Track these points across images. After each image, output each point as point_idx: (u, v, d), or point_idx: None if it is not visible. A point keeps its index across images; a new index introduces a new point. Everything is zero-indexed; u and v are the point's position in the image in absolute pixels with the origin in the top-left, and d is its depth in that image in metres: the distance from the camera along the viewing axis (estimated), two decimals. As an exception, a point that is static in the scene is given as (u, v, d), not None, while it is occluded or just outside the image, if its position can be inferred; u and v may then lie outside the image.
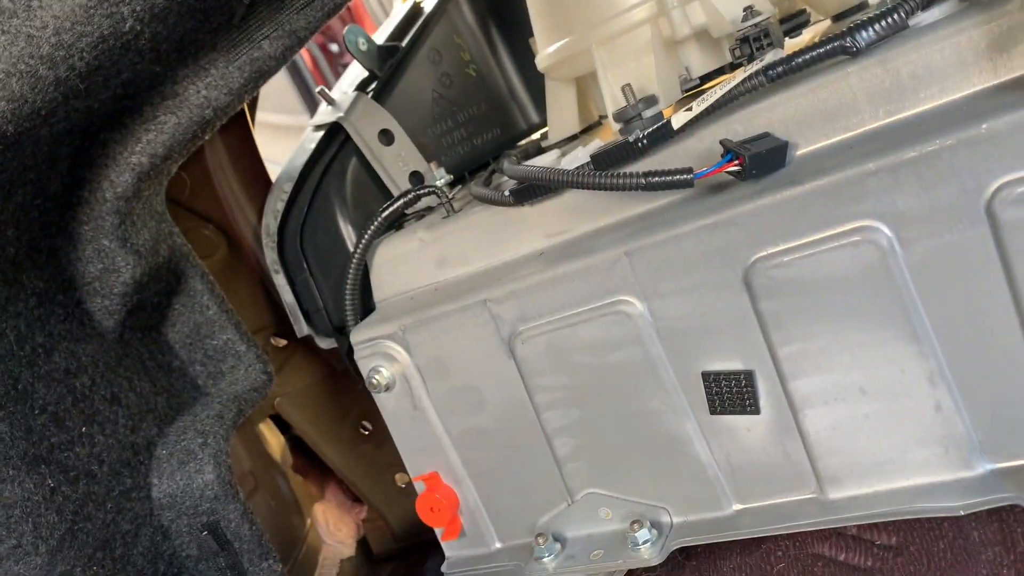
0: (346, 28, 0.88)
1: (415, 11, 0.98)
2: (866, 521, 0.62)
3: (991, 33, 0.55)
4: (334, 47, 1.82)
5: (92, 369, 0.71)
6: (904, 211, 0.56)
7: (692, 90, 0.75)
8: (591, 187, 0.64)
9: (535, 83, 0.99)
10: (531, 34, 0.90)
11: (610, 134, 0.87)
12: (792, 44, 0.81)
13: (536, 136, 0.99)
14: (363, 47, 0.87)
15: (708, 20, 0.71)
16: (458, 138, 0.97)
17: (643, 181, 0.61)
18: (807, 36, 0.83)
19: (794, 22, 0.80)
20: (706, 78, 0.75)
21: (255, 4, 0.69)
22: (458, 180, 0.96)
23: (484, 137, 0.98)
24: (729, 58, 0.75)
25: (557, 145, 0.89)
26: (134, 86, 0.65)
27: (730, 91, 0.61)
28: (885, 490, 0.62)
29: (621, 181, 0.62)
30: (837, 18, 0.83)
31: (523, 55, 0.98)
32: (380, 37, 0.97)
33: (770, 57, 0.61)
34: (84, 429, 0.68)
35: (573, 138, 0.89)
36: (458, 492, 0.79)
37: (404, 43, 0.93)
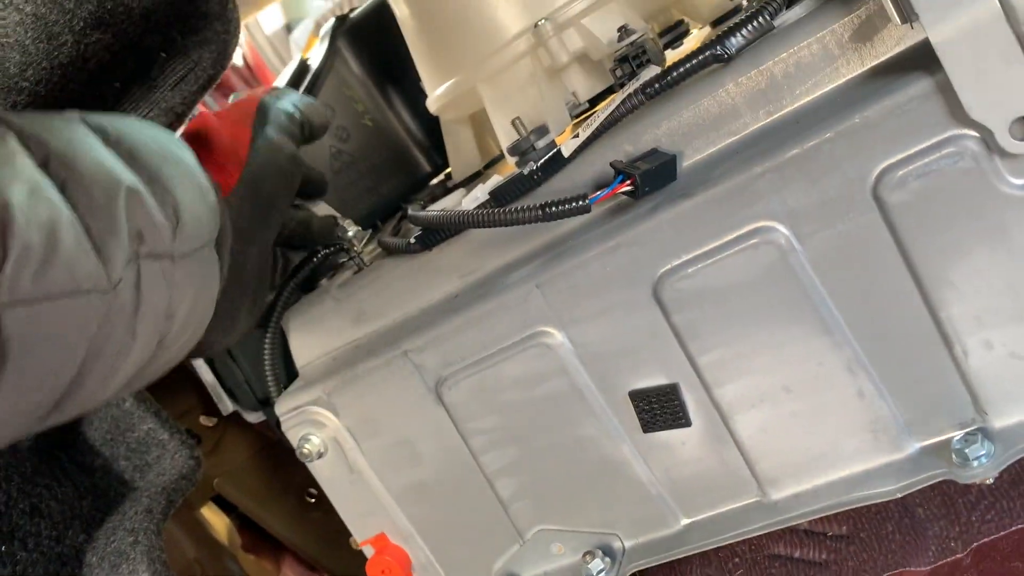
0: (231, 96, 0.87)
1: (302, 68, 0.97)
2: (810, 517, 0.62)
3: (852, 24, 0.56)
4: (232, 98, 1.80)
5: (7, 484, 0.68)
6: (796, 208, 0.56)
7: (582, 114, 0.76)
8: (492, 225, 0.63)
9: (434, 123, 0.99)
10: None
11: (511, 167, 0.87)
12: (674, 55, 0.82)
13: (442, 177, 0.99)
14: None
15: (585, 44, 0.71)
16: (364, 188, 0.96)
17: (541, 213, 0.61)
18: (689, 44, 0.85)
19: (674, 33, 0.82)
20: (595, 100, 0.76)
21: (127, 87, 0.67)
22: (372, 229, 0.95)
23: (390, 184, 0.97)
24: (612, 79, 0.76)
25: (462, 184, 0.89)
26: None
27: (612, 113, 0.62)
28: (824, 483, 0.62)
29: (520, 215, 0.61)
30: (716, 23, 0.85)
31: (417, 99, 0.98)
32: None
33: (646, 75, 0.61)
34: (3, 548, 0.65)
35: (477, 175, 0.89)
36: (408, 550, 0.77)
37: (294, 102, 0.92)
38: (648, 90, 0.61)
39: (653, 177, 0.61)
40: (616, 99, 0.62)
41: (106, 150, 0.49)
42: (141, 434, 0.78)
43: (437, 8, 0.76)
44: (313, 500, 1.03)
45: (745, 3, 0.80)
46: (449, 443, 0.72)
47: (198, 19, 0.65)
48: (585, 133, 0.63)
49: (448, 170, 0.98)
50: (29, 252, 0.40)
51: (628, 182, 0.60)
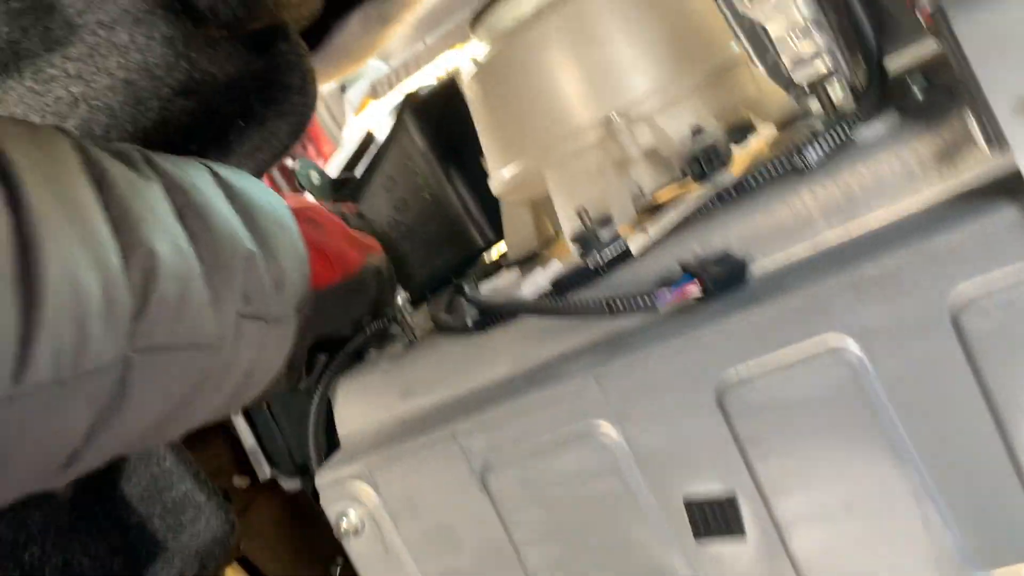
0: (297, 162, 0.88)
1: (368, 140, 0.98)
2: (865, 645, 0.60)
3: (935, 144, 0.56)
4: (290, 162, 1.83)
5: (42, 537, 0.67)
6: (870, 326, 0.55)
7: (647, 208, 0.76)
8: (555, 315, 0.63)
9: (490, 200, 1.00)
10: (482, 154, 0.91)
11: (567, 249, 0.87)
12: (740, 154, 0.82)
13: (495, 252, 0.99)
14: (316, 181, 0.87)
15: (656, 141, 0.71)
16: (417, 260, 0.96)
17: (606, 308, 0.60)
18: (754, 143, 0.85)
19: (740, 131, 0.82)
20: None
21: (203, 151, 0.68)
22: (420, 300, 0.95)
23: (443, 257, 0.98)
24: (679, 173, 0.76)
25: (517, 263, 0.88)
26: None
27: (685, 215, 0.61)
28: (881, 610, 0.60)
29: (585, 309, 0.61)
30: (782, 126, 0.85)
31: (476, 173, 0.98)
32: (334, 168, 0.97)
33: (721, 180, 0.61)
34: (34, 604, 0.64)
35: (532, 255, 0.89)
36: (438, 638, 0.75)
37: (358, 173, 0.93)
38: (723, 196, 0.60)
39: (723, 281, 0.60)
40: (690, 201, 0.61)
41: (230, 208, 0.50)
42: (178, 494, 0.77)
43: (509, 92, 0.76)
44: (339, 569, 1.01)
45: (814, 107, 0.81)
46: (491, 533, 0.70)
47: (279, 91, 0.66)
48: (655, 231, 0.63)
49: (502, 247, 0.98)
50: (166, 303, 0.41)
51: (696, 283, 0.60)
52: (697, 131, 0.68)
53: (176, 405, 0.47)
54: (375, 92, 2.08)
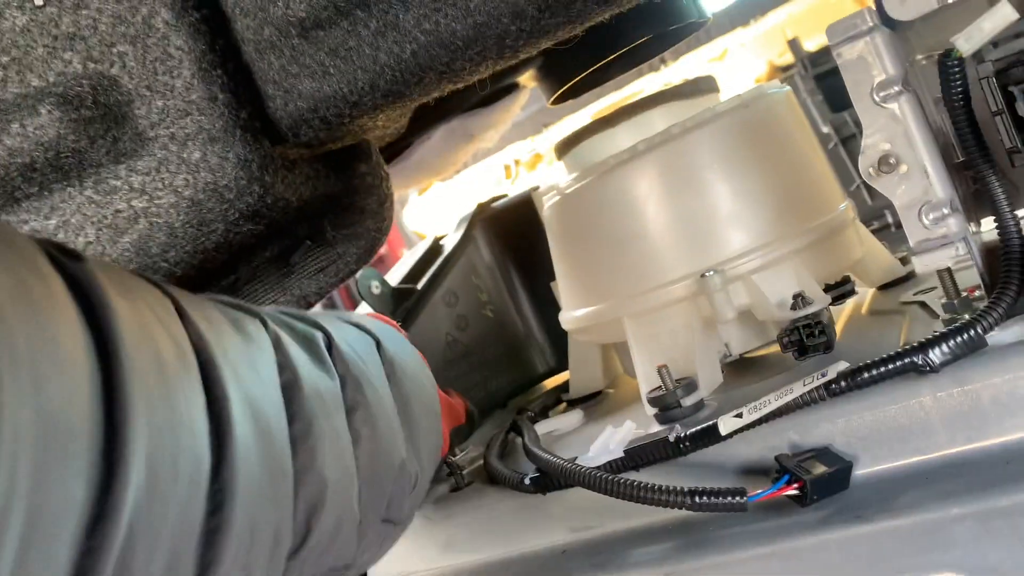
0: (360, 271, 0.83)
1: (434, 250, 0.93)
2: None
3: (1085, 361, 0.49)
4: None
5: None
6: (996, 566, 0.47)
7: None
8: (630, 499, 0.56)
9: (554, 323, 0.94)
10: (552, 276, 0.86)
11: (633, 390, 0.80)
12: (837, 314, 0.76)
13: (556, 385, 0.93)
14: (376, 291, 0.82)
15: (752, 303, 0.65)
16: (472, 383, 0.90)
17: (688, 501, 0.53)
18: (851, 304, 0.79)
19: (839, 291, 0.75)
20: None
21: (261, 269, 0.63)
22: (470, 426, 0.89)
23: (499, 381, 0.92)
24: (772, 336, 0.70)
25: (579, 401, 0.82)
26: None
27: (787, 404, 0.55)
28: None
29: (665, 498, 0.54)
30: (883, 288, 0.79)
31: (542, 295, 0.93)
32: (395, 276, 0.92)
33: (833, 371, 0.54)
34: None
35: (596, 393, 0.83)
36: None
37: (420, 285, 0.88)
38: (834, 387, 0.54)
39: (824, 484, 0.53)
40: (794, 390, 0.55)
41: (392, 400, 0.46)
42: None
43: (594, 231, 0.71)
44: None
45: (918, 270, 0.74)
46: None
47: (353, 213, 0.62)
48: (751, 416, 0.56)
49: (563, 377, 0.92)
50: (322, 537, 0.37)
51: (795, 485, 0.53)
52: (802, 301, 0.62)
53: None
54: (441, 175, 2.05)
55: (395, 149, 0.75)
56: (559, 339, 0.94)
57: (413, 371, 0.53)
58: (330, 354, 0.43)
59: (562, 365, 0.95)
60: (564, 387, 0.87)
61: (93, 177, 0.51)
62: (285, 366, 0.38)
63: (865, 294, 0.80)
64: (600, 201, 0.70)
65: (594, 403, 0.81)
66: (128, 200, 0.51)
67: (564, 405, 0.84)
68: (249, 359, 0.36)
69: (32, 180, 0.50)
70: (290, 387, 0.38)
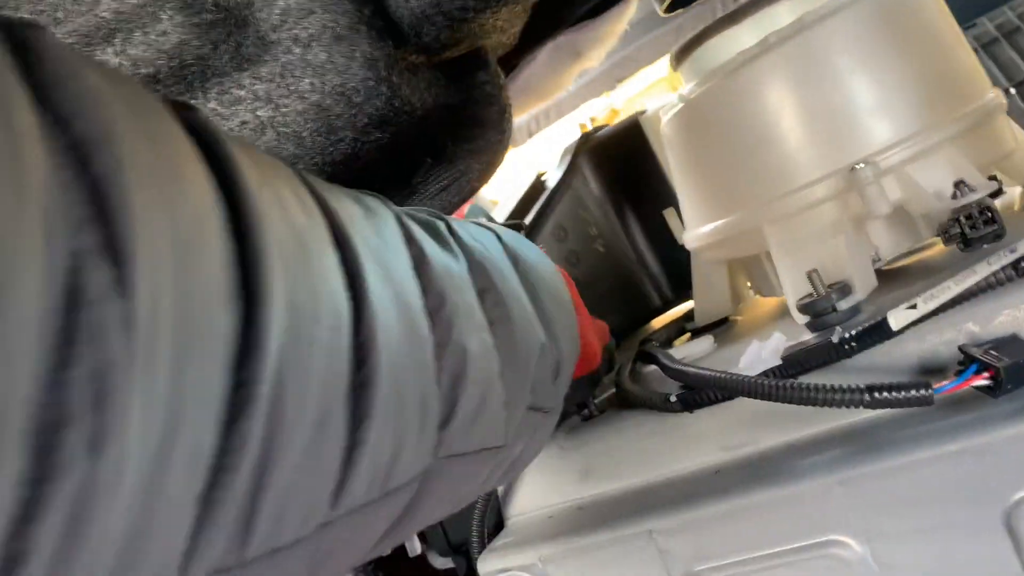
0: (468, 208, 0.80)
1: (538, 186, 0.90)
2: None
3: None
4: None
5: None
6: None
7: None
8: (799, 402, 0.52)
9: (669, 255, 0.90)
10: (664, 204, 0.81)
11: (762, 314, 0.76)
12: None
13: (679, 314, 0.89)
14: (486, 226, 0.79)
15: (906, 196, 0.60)
16: (587, 319, 0.87)
17: (867, 398, 0.49)
18: (998, 204, 0.73)
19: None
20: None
21: (384, 191, 0.61)
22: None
23: (616, 317, 0.88)
24: (925, 236, 0.64)
25: (705, 329, 0.78)
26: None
27: (969, 289, 0.50)
28: None
29: (840, 397, 0.50)
30: (1033, 185, 0.72)
31: (655, 224, 0.89)
32: (501, 214, 0.89)
33: (1023, 248, 0.49)
34: None
35: (723, 320, 0.79)
36: None
37: (528, 220, 0.85)
38: (1022, 268, 0.49)
39: (1019, 373, 0.48)
40: (978, 271, 0.50)
41: (522, 288, 0.45)
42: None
43: (722, 137, 0.67)
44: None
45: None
46: (688, 651, 0.59)
47: (473, 126, 0.59)
48: (926, 306, 0.51)
49: (684, 307, 0.88)
50: (469, 409, 0.36)
51: (986, 375, 0.48)
52: (965, 188, 0.57)
53: (457, 502, 0.42)
54: (513, 140, 2.02)
55: (503, 71, 0.72)
56: (674, 270, 0.90)
57: (537, 264, 0.51)
58: (452, 239, 0.42)
59: (678, 298, 0.91)
60: (687, 317, 0.83)
61: (216, 88, 0.49)
62: (411, 240, 0.37)
63: (1013, 193, 0.74)
64: (729, 103, 0.65)
65: (722, 330, 0.77)
66: (254, 110, 0.49)
67: (688, 335, 0.80)
68: (375, 227, 0.34)
69: (156, 92, 0.48)
70: (419, 261, 0.36)
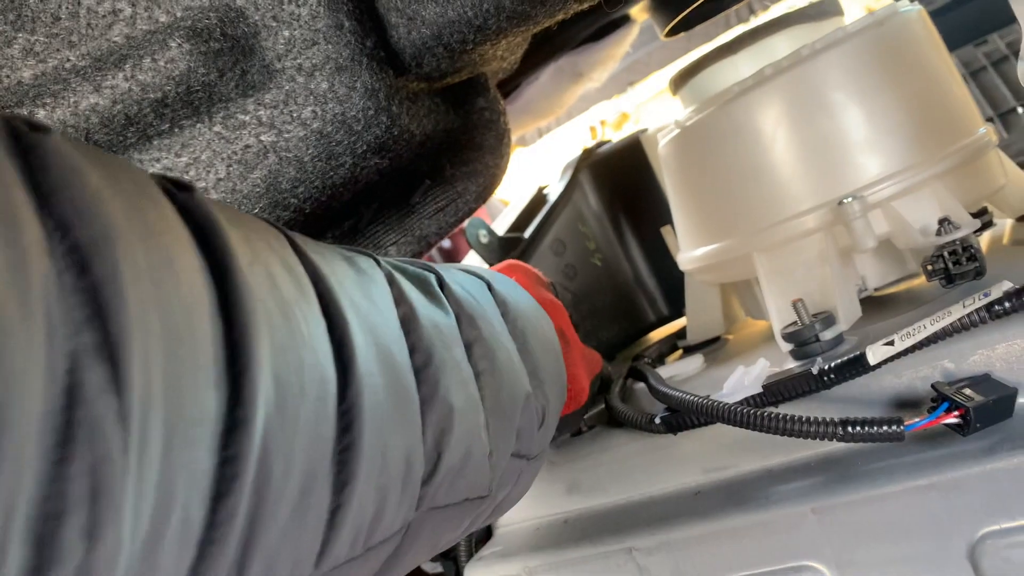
0: (468, 220, 0.82)
1: (539, 199, 0.92)
2: None
3: None
4: (446, 243, 1.79)
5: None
6: None
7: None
8: (772, 432, 0.53)
9: (665, 271, 0.92)
10: (661, 221, 0.83)
11: (753, 334, 0.78)
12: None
13: (670, 331, 0.90)
14: (484, 240, 0.81)
15: (892, 230, 0.62)
16: (582, 333, 0.88)
17: (840, 432, 0.51)
18: (988, 236, 0.74)
19: (979, 222, 0.71)
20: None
21: (383, 209, 0.63)
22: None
23: (610, 331, 0.90)
24: (911, 268, 0.66)
25: (697, 347, 0.80)
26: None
27: (944, 328, 0.51)
28: None
29: (814, 430, 0.51)
30: (1022, 219, 0.74)
31: (652, 241, 0.91)
32: (501, 226, 0.91)
33: (997, 291, 0.51)
34: None
35: (715, 339, 0.80)
36: None
37: (527, 234, 0.86)
38: (996, 308, 0.50)
39: (987, 413, 0.50)
40: (953, 312, 0.51)
41: (510, 337, 0.46)
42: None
43: (717, 164, 0.68)
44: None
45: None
46: (665, 666, 0.61)
47: (472, 150, 0.61)
48: (903, 343, 0.53)
49: (677, 324, 0.90)
50: (453, 463, 0.38)
51: (956, 413, 0.50)
52: (949, 225, 0.58)
53: (438, 548, 0.43)
54: (523, 140, 2.04)
55: (504, 91, 0.73)
56: (670, 287, 0.91)
57: (526, 310, 0.52)
58: (443, 292, 0.43)
59: (673, 314, 0.93)
60: (679, 335, 0.85)
61: (222, 112, 0.51)
62: (401, 300, 0.38)
63: (1003, 226, 0.75)
64: (724, 131, 0.67)
65: (713, 349, 0.79)
66: (257, 135, 0.51)
67: (680, 352, 0.82)
68: (364, 290, 0.36)
69: (164, 116, 0.50)
70: (407, 320, 0.37)
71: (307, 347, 0.28)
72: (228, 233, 0.27)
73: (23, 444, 0.17)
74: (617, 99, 1.91)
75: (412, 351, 0.36)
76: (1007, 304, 0.50)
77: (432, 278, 0.43)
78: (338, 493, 0.29)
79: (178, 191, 0.27)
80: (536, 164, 1.95)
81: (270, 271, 0.28)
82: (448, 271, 0.47)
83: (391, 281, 0.38)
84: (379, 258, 0.40)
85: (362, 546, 0.32)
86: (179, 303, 0.23)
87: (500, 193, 2.28)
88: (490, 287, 0.48)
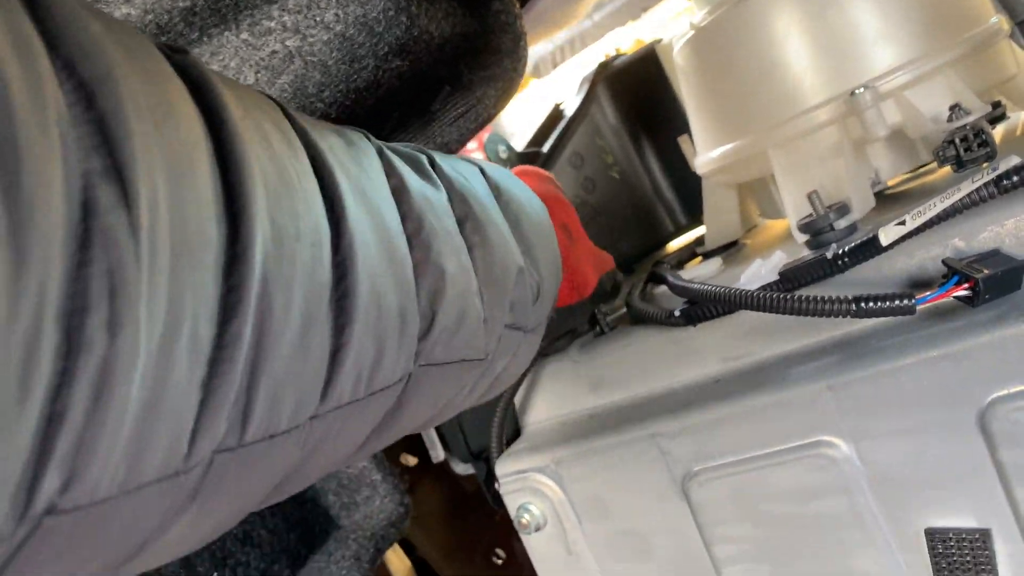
0: (487, 136, 0.83)
1: (556, 115, 0.93)
2: None
3: None
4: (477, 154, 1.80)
5: (225, 505, 0.66)
6: None
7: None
8: (788, 312, 0.55)
9: (682, 181, 0.93)
10: (678, 132, 0.84)
11: (770, 237, 0.79)
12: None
13: (690, 239, 0.92)
14: (503, 155, 0.83)
15: (904, 119, 0.63)
16: (603, 245, 0.90)
17: (854, 308, 0.53)
18: (1001, 129, 0.75)
19: (991, 114, 0.72)
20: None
21: (405, 117, 0.64)
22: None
23: (630, 241, 0.92)
24: (923, 159, 0.67)
25: (715, 252, 0.81)
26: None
27: (955, 204, 0.53)
28: None
29: (827, 307, 0.53)
30: (1037, 109, 0.74)
31: (669, 152, 0.92)
32: (520, 142, 0.92)
33: (1004, 165, 0.52)
34: (216, 574, 0.62)
35: (732, 243, 0.82)
36: (618, 650, 0.70)
37: (545, 148, 0.88)
38: (1005, 183, 0.52)
39: (997, 284, 0.51)
40: (962, 188, 0.53)
41: (502, 216, 0.48)
42: (355, 471, 0.75)
43: (731, 63, 0.69)
44: (500, 563, 0.97)
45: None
46: (687, 545, 0.64)
47: (489, 54, 0.62)
48: (914, 222, 0.54)
49: (696, 233, 0.91)
50: (448, 323, 0.40)
51: (966, 285, 0.51)
52: (959, 111, 0.59)
53: (438, 411, 0.46)
54: (537, 71, 2.03)
55: None
56: (688, 196, 0.93)
57: (519, 196, 0.54)
58: (434, 172, 0.45)
59: (691, 223, 0.94)
60: (698, 242, 0.87)
61: (248, 20, 0.53)
62: (391, 172, 0.40)
63: (1017, 119, 0.76)
64: (737, 30, 0.68)
65: (731, 252, 0.80)
66: (282, 40, 0.53)
67: (699, 259, 0.84)
68: (355, 158, 0.37)
69: (193, 24, 0.51)
70: (398, 191, 0.39)
71: (300, 198, 0.31)
72: (222, 90, 0.29)
73: (49, 242, 0.20)
74: (631, 25, 1.90)
75: (404, 218, 0.38)
76: (1015, 178, 0.52)
77: (424, 158, 0.45)
78: (337, 336, 0.32)
79: (173, 52, 0.29)
80: (550, 95, 1.95)
81: (262, 128, 0.30)
82: (441, 156, 0.48)
83: (381, 154, 0.40)
84: (369, 135, 0.42)
85: (364, 390, 0.34)
86: (179, 143, 0.25)
87: (514, 127, 2.27)
88: (483, 172, 0.51)
